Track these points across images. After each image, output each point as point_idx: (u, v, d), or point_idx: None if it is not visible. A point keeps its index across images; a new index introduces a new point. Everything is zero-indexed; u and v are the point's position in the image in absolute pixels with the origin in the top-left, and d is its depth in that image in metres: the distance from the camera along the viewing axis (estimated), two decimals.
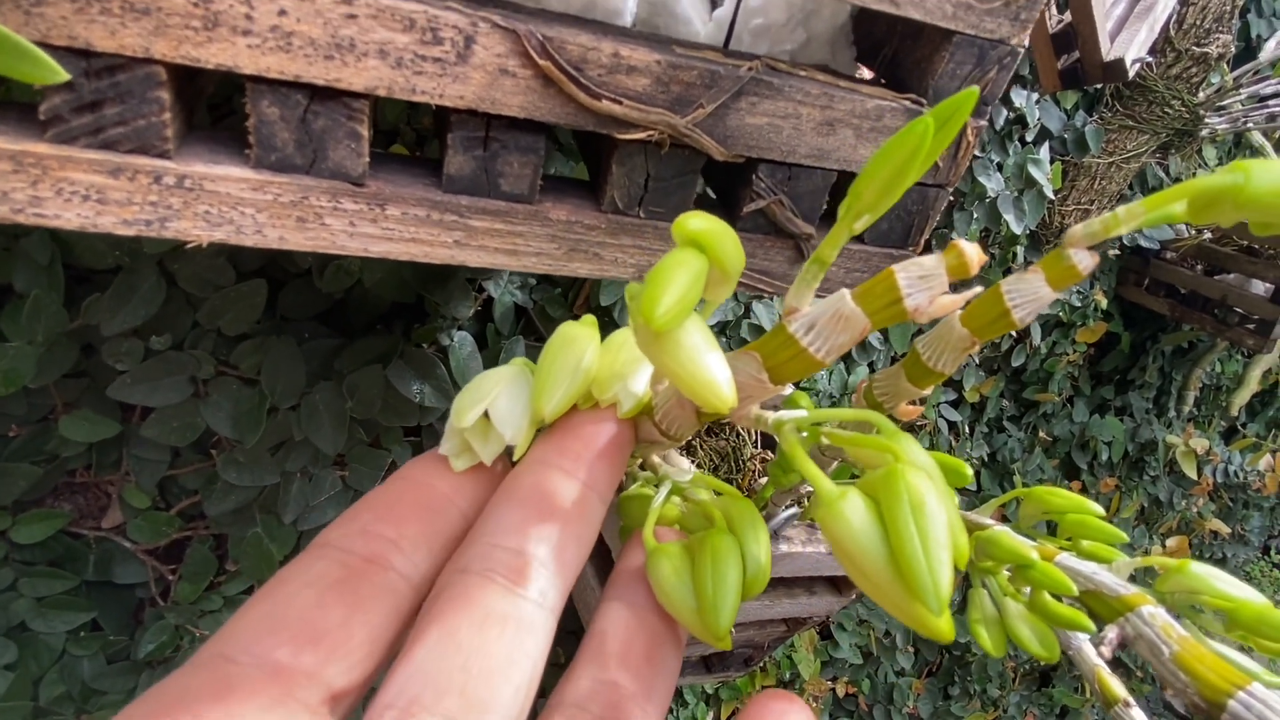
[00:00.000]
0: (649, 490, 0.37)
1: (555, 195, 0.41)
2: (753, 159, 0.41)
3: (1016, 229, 1.34)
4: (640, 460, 0.43)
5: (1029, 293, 0.32)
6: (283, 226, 0.36)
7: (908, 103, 0.41)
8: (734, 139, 0.40)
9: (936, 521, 0.25)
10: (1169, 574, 0.45)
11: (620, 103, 0.36)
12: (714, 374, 0.29)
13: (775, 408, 0.34)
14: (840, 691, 1.62)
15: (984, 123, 0.43)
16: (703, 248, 0.29)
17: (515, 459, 0.35)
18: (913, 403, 0.41)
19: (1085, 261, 0.32)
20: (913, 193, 0.45)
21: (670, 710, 1.32)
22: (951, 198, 1.36)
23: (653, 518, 0.35)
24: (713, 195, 0.48)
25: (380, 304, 0.82)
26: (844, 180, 0.44)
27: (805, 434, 0.33)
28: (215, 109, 0.69)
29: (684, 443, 0.38)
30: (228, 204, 0.35)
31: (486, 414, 0.36)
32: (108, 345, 0.70)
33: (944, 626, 0.24)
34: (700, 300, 0.33)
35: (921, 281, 0.27)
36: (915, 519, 0.24)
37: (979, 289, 0.29)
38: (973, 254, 0.26)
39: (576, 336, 0.34)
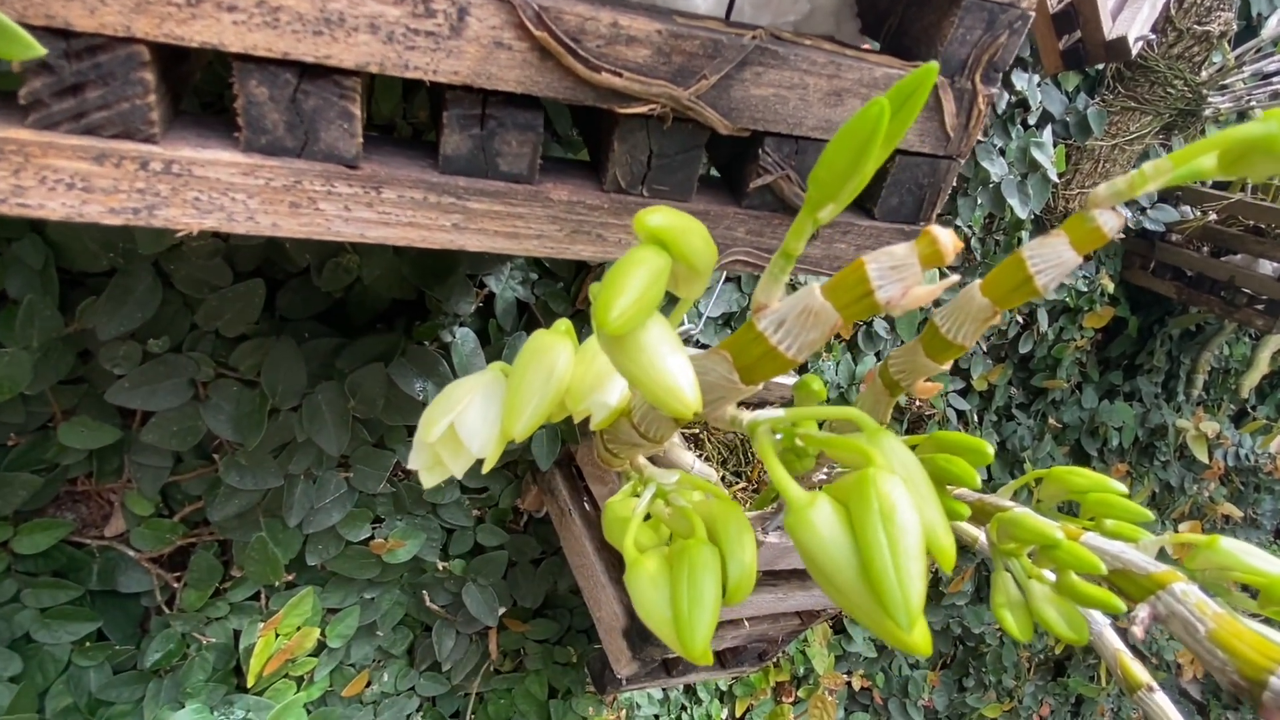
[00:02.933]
0: (632, 499, 0.36)
1: (556, 175, 0.40)
2: (758, 132, 0.40)
3: (1021, 213, 1.32)
4: (627, 461, 0.42)
5: (1052, 257, 0.31)
6: (275, 213, 0.35)
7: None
8: (739, 111, 0.38)
9: (908, 531, 0.23)
10: (1199, 550, 0.44)
11: (620, 75, 0.35)
12: (675, 378, 0.27)
13: (788, 401, 0.33)
14: (856, 685, 1.60)
15: (995, 90, 0.42)
16: (665, 244, 0.28)
17: (485, 471, 0.33)
18: (931, 379, 0.40)
19: (1111, 222, 0.30)
20: (923, 165, 0.43)
21: (684, 707, 1.31)
22: (955, 183, 1.34)
23: (633, 527, 0.34)
24: (717, 174, 0.47)
25: (380, 302, 0.81)
26: None
27: (780, 435, 0.31)
28: (209, 108, 0.68)
29: (664, 442, 0.37)
30: (218, 190, 0.34)
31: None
32: (104, 349, 0.69)
33: (917, 641, 0.23)
34: (672, 298, 0.32)
35: (894, 272, 0.25)
36: (885, 529, 0.23)
37: (956, 278, 0.28)
38: (947, 241, 0.25)
39: (548, 346, 0.33)
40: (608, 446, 0.42)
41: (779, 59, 0.38)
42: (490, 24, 0.33)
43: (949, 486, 0.44)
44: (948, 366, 0.37)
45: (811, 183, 0.26)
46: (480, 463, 0.35)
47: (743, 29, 0.37)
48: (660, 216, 0.28)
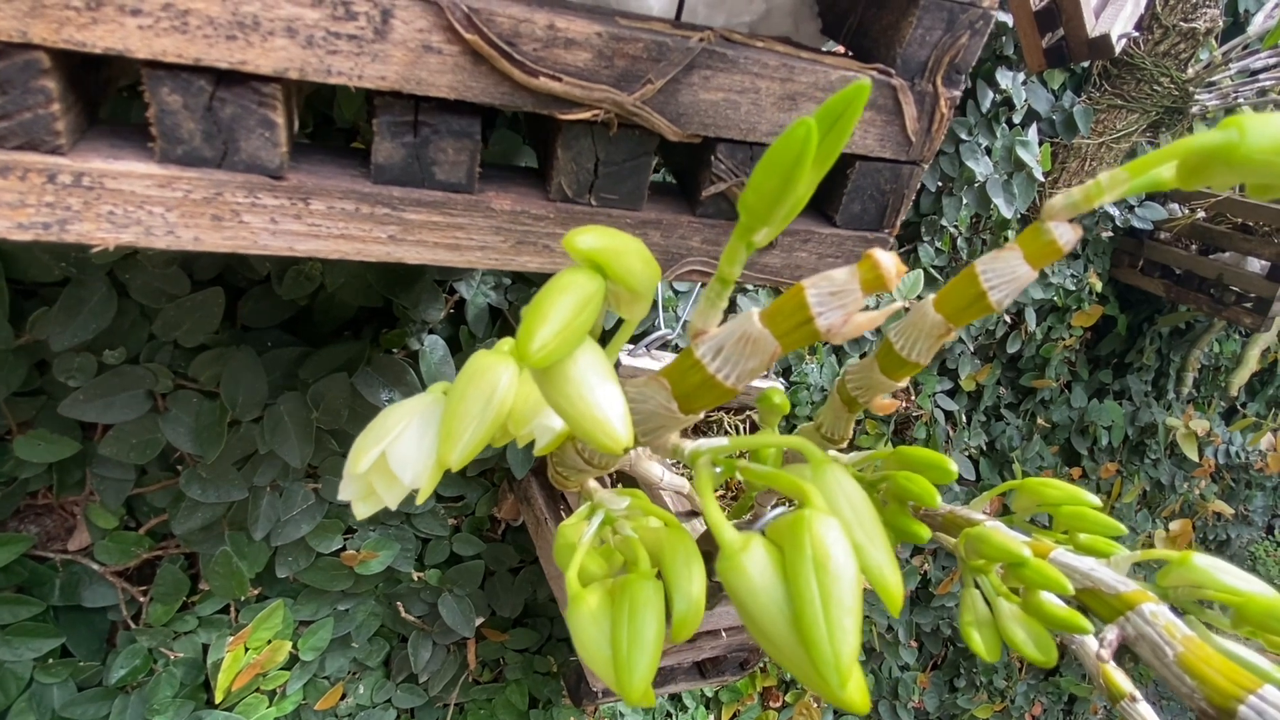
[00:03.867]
0: (583, 525, 0.35)
1: (498, 184, 0.38)
2: (710, 138, 0.38)
3: (1007, 213, 1.31)
4: (578, 485, 0.40)
5: (1006, 272, 0.30)
6: (196, 226, 0.33)
7: (874, 73, 0.38)
8: (688, 117, 0.37)
9: (842, 581, 0.21)
10: (1171, 568, 0.42)
11: (559, 79, 0.34)
12: (604, 411, 0.25)
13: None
14: None
15: (957, 93, 0.40)
16: (599, 267, 0.26)
17: (419, 502, 0.31)
18: (891, 396, 0.38)
19: (1066, 235, 0.29)
20: (885, 171, 0.42)
21: (669, 714, 1.29)
22: (940, 183, 1.33)
23: (576, 559, 0.32)
24: (671, 183, 0.45)
25: (347, 310, 0.79)
26: None
27: (720, 468, 0.30)
28: None
29: (609, 470, 0.35)
30: (133, 203, 0.32)
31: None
32: (58, 361, 0.67)
33: (852, 698, 0.21)
34: (609, 320, 0.30)
35: (834, 299, 0.24)
36: (818, 578, 0.21)
37: (901, 304, 0.26)
38: (890, 265, 0.23)
39: (488, 368, 0.31)
40: (557, 469, 0.41)
41: (728, 62, 0.36)
42: (416, 26, 0.31)
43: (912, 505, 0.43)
44: (903, 384, 0.35)
45: (741, 208, 0.24)
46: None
47: (689, 31, 0.36)
48: (592, 238, 0.26)
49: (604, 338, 0.30)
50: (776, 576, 0.22)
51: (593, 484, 0.39)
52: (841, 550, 0.22)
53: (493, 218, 0.37)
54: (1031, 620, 0.42)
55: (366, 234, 0.36)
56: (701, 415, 0.29)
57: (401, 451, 0.32)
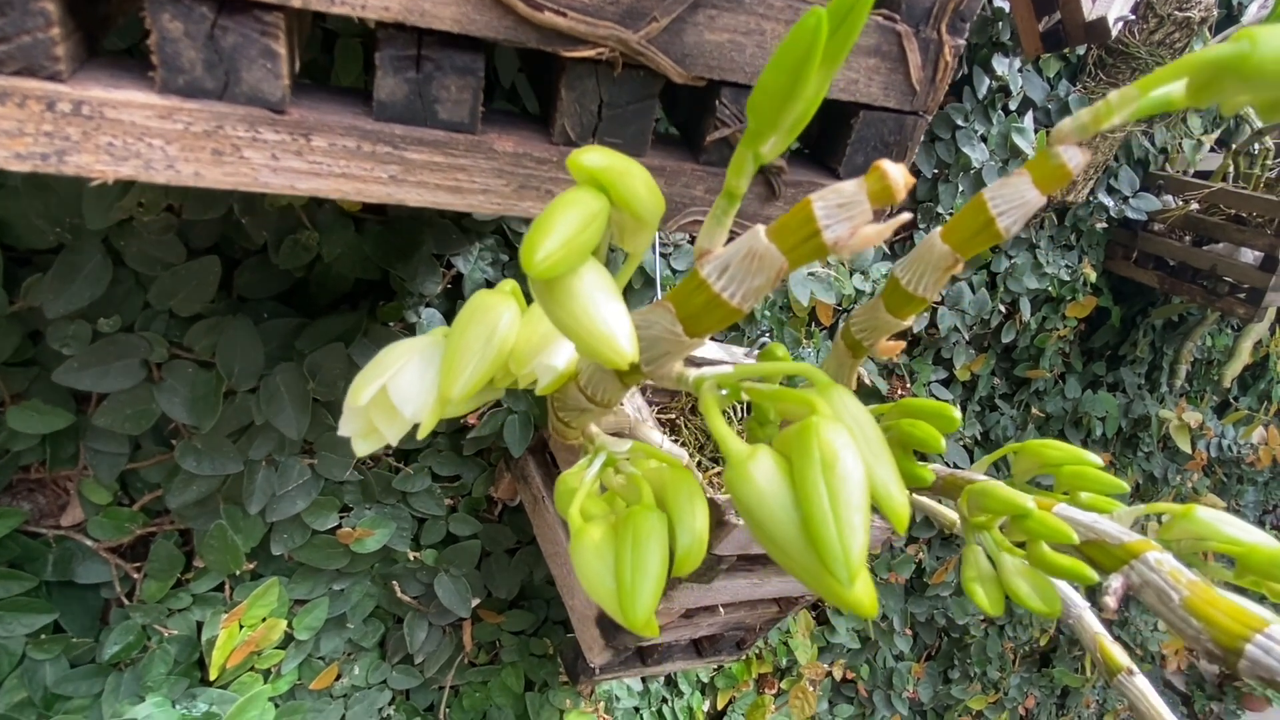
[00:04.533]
0: (584, 470, 0.34)
1: (501, 126, 0.38)
2: (714, 82, 0.38)
3: None
4: (581, 432, 0.40)
5: (1015, 198, 0.29)
6: (197, 160, 0.33)
7: (880, 18, 0.38)
8: (692, 58, 0.36)
9: (850, 481, 0.21)
10: (1174, 520, 0.42)
11: (564, 15, 0.33)
12: (609, 326, 0.25)
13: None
14: (838, 675, 1.59)
15: (961, 42, 0.40)
16: (603, 187, 0.26)
17: (420, 437, 0.31)
18: (895, 337, 0.38)
19: (1075, 158, 0.29)
20: (889, 121, 0.42)
21: (665, 699, 1.29)
22: (935, 170, 1.33)
23: (580, 495, 0.32)
24: (675, 133, 0.45)
25: (344, 282, 0.78)
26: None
27: (726, 391, 0.30)
28: None
29: (614, 405, 0.35)
30: (133, 135, 0.32)
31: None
32: (52, 328, 0.66)
33: (859, 596, 0.21)
34: (615, 251, 0.30)
35: (841, 210, 0.23)
36: (826, 478, 0.21)
37: (907, 215, 0.26)
38: (898, 176, 0.23)
39: (490, 305, 0.31)
40: (559, 415, 0.41)
41: (734, 2, 0.36)
42: None
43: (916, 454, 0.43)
44: (910, 322, 0.35)
45: (750, 111, 0.24)
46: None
47: None
48: (597, 156, 0.26)
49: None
50: (784, 482, 0.22)
51: (594, 429, 0.39)
52: (849, 452, 0.21)
53: (495, 160, 0.37)
54: (1034, 573, 0.42)
55: (368, 173, 0.35)
56: (706, 340, 0.29)
57: (403, 385, 0.32)
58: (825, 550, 0.21)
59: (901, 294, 0.33)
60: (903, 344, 0.36)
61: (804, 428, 0.23)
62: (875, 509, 0.24)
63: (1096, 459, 0.46)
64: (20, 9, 0.29)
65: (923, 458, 0.45)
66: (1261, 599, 0.38)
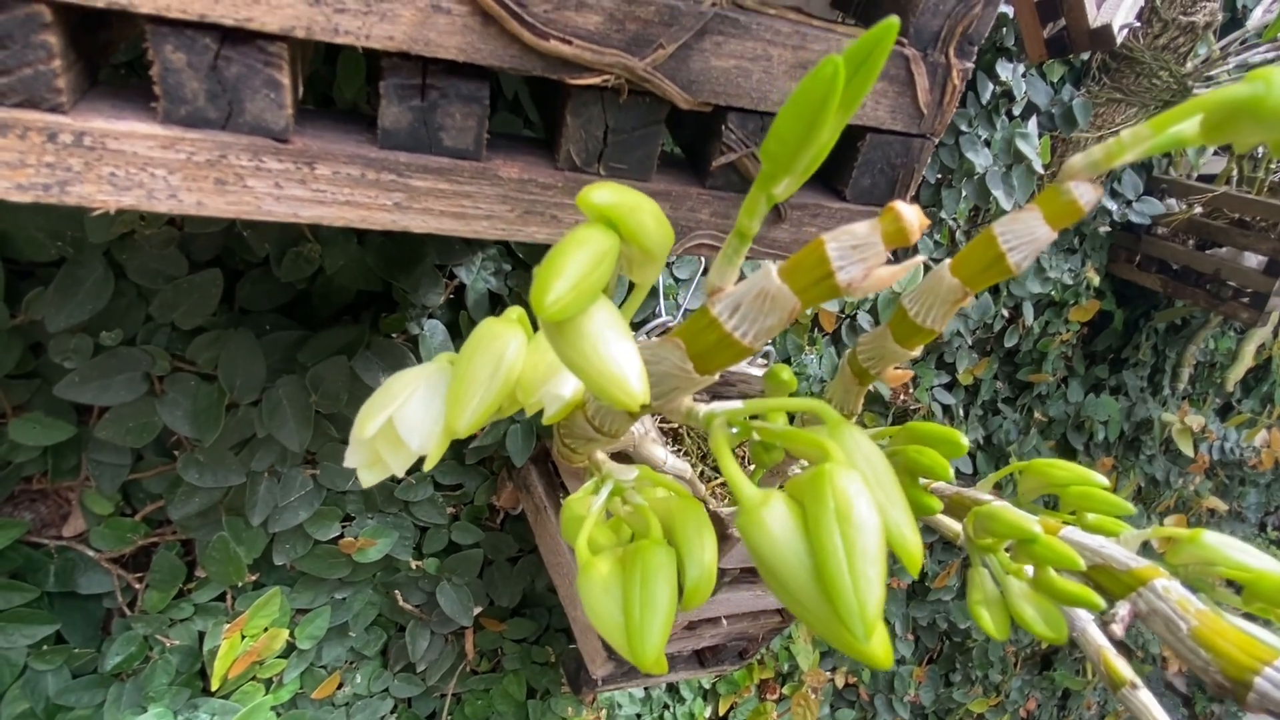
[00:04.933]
0: (590, 497, 0.34)
1: (506, 152, 0.38)
2: (720, 107, 0.38)
3: (1006, 205, 1.31)
4: (586, 457, 0.40)
5: (1025, 233, 0.29)
6: (200, 190, 0.33)
7: None
8: (699, 84, 0.36)
9: (865, 531, 0.21)
10: (1181, 545, 0.42)
11: (570, 43, 0.33)
12: (619, 367, 0.25)
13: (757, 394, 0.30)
14: (840, 682, 1.59)
15: (970, 65, 0.40)
16: (613, 223, 0.26)
17: (427, 469, 0.31)
18: (901, 366, 0.38)
19: (1087, 195, 0.28)
20: (895, 144, 0.41)
21: (666, 706, 1.29)
22: (939, 175, 1.33)
23: (587, 526, 0.31)
24: (680, 154, 0.45)
25: (346, 294, 0.78)
26: None
27: (736, 430, 0.29)
28: None
29: (620, 436, 0.35)
30: (135, 165, 0.32)
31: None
32: (54, 342, 0.66)
33: (875, 651, 0.21)
34: (623, 282, 0.30)
35: (855, 252, 0.23)
36: (841, 528, 0.21)
37: (921, 258, 0.26)
38: (912, 218, 0.22)
39: (496, 334, 0.30)
40: (564, 441, 0.40)
41: (740, 28, 0.35)
42: None
43: (923, 480, 0.43)
44: (918, 353, 0.35)
45: (763, 156, 0.24)
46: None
47: None
48: (606, 193, 0.25)
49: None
50: (797, 530, 0.22)
51: (600, 455, 0.39)
52: (864, 502, 0.21)
53: (500, 186, 0.37)
54: (1041, 598, 0.42)
55: (372, 201, 0.35)
56: (716, 376, 0.28)
57: (409, 417, 0.31)
58: (841, 604, 0.20)
59: (909, 325, 0.33)
60: (910, 373, 0.36)
61: (817, 475, 0.22)
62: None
63: (1103, 479, 0.46)
64: (22, 42, 0.28)
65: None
66: (1267, 624, 0.38)
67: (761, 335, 0.26)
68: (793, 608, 0.22)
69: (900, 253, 1.39)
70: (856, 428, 0.26)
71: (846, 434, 0.26)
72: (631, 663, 0.26)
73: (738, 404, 0.28)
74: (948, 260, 0.31)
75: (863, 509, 0.21)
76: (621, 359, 0.25)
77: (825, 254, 0.23)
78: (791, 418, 0.52)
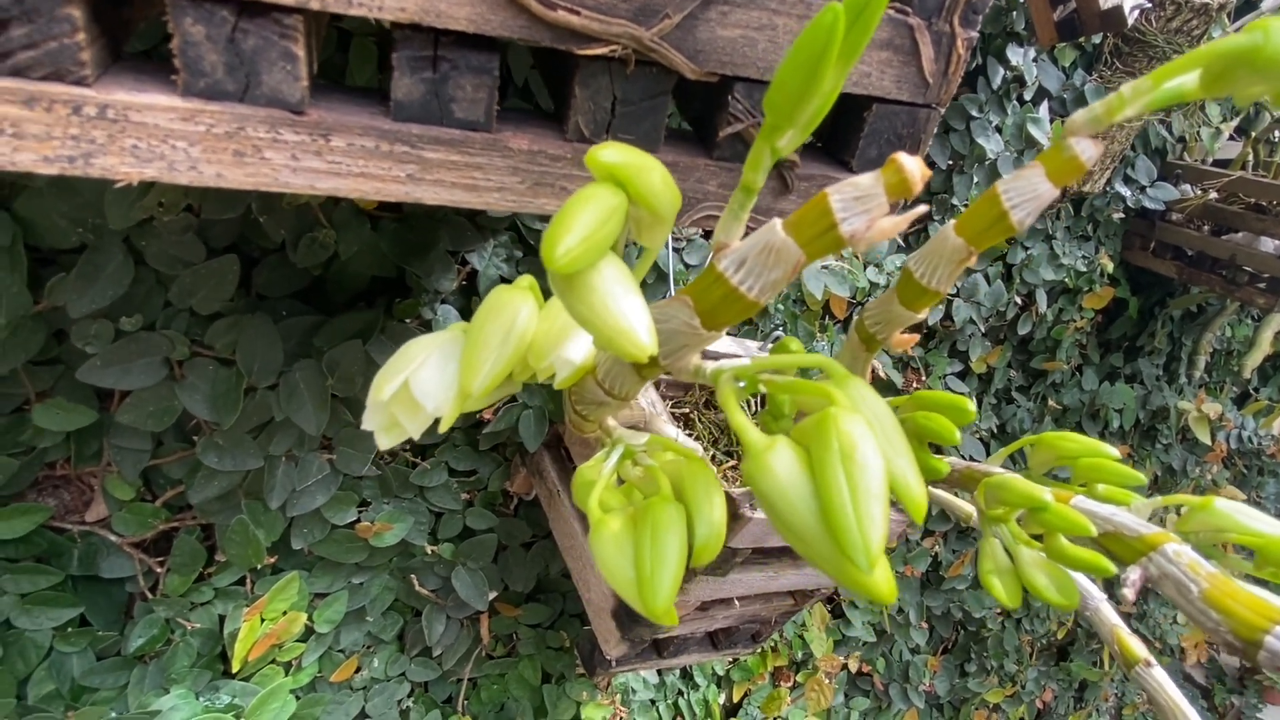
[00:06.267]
0: (601, 463, 0.35)
1: (515, 124, 0.38)
2: (727, 77, 0.38)
3: None
4: (598, 425, 0.40)
5: (1027, 190, 0.30)
6: (219, 162, 0.34)
7: (892, 11, 0.38)
8: (705, 54, 0.37)
9: (869, 470, 0.21)
10: (1193, 512, 0.42)
11: (578, 13, 0.34)
12: (629, 320, 0.26)
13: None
14: (854, 668, 1.59)
15: (974, 34, 0.40)
16: (621, 183, 0.26)
17: (441, 431, 0.32)
18: (908, 330, 0.38)
19: (1088, 151, 0.29)
20: (902, 114, 0.42)
21: (680, 692, 1.30)
22: (950, 161, 1.32)
23: (599, 486, 0.32)
24: (687, 128, 0.45)
25: (360, 280, 0.79)
26: None
27: (744, 383, 0.30)
28: None
29: (631, 399, 0.36)
30: (157, 137, 0.33)
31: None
32: (76, 327, 0.67)
33: (878, 583, 0.21)
34: (633, 246, 0.30)
35: (858, 204, 0.24)
36: (845, 468, 0.21)
37: (923, 208, 0.26)
38: (914, 169, 0.23)
39: (508, 301, 0.31)
40: (576, 408, 0.41)
41: None
42: None
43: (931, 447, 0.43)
44: (924, 315, 0.35)
45: (766, 107, 0.24)
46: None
47: None
48: (614, 152, 0.26)
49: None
50: (803, 472, 0.22)
51: (611, 422, 0.39)
52: (868, 443, 0.22)
53: (510, 157, 0.37)
54: (1052, 565, 0.42)
55: (386, 172, 0.36)
56: (723, 333, 0.29)
57: (424, 380, 0.32)
58: (845, 538, 0.21)
59: (915, 287, 0.33)
60: (917, 336, 0.37)
61: (822, 418, 0.23)
62: (893, 501, 0.25)
63: (1113, 451, 0.46)
64: (47, 15, 0.29)
65: (938, 451, 0.45)
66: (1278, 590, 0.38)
67: (768, 289, 0.26)
68: (798, 546, 0.23)
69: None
70: (861, 381, 0.27)
71: (853, 386, 0.26)
72: (642, 614, 0.27)
73: (745, 361, 0.29)
74: (952, 220, 0.31)
75: (866, 449, 0.22)
76: (630, 312, 0.26)
77: (829, 205, 0.24)
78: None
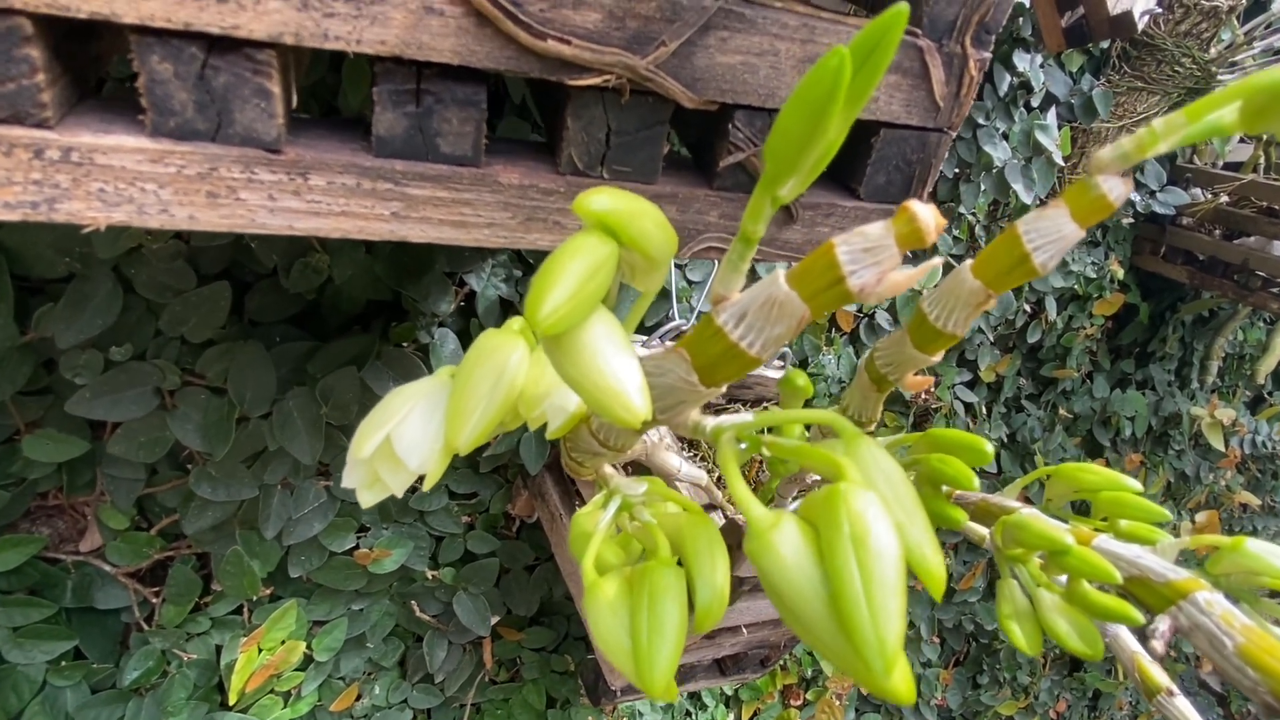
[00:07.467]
0: (599, 513, 0.33)
1: (505, 157, 0.36)
2: (727, 105, 0.36)
3: (1026, 199, 1.28)
4: (594, 471, 0.38)
5: (1051, 232, 0.27)
6: (191, 204, 0.32)
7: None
8: (704, 82, 0.35)
9: (884, 558, 0.19)
10: (1222, 554, 0.40)
11: (568, 42, 0.32)
12: (619, 382, 0.23)
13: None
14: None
15: (987, 55, 0.38)
16: (612, 230, 0.24)
17: (426, 489, 0.30)
18: (921, 372, 0.36)
19: (1117, 189, 0.26)
20: (911, 140, 0.40)
21: (689, 713, 1.27)
22: (957, 169, 1.30)
23: (594, 545, 0.30)
24: (686, 154, 0.43)
25: (355, 304, 0.77)
26: None
27: (745, 445, 0.28)
28: None
29: (626, 449, 0.34)
30: (125, 179, 0.31)
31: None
32: (65, 358, 0.66)
33: (897, 686, 0.19)
34: (624, 291, 0.28)
35: (867, 255, 0.22)
36: (858, 555, 0.19)
37: (939, 259, 0.24)
38: (928, 218, 0.21)
39: (497, 346, 0.29)
40: (571, 455, 0.39)
41: (746, 22, 0.34)
42: None
43: (945, 489, 0.41)
44: (938, 358, 0.33)
45: (767, 155, 0.22)
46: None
47: None
48: (604, 199, 0.24)
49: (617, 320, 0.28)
50: (811, 555, 0.20)
51: (608, 469, 0.38)
52: (882, 526, 0.20)
53: (500, 192, 0.35)
54: (1074, 611, 0.40)
55: (369, 211, 0.34)
56: (723, 389, 0.27)
57: (407, 435, 0.30)
58: (858, 636, 0.19)
59: (929, 329, 0.31)
60: (930, 380, 0.35)
61: (831, 496, 0.21)
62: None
63: (1136, 484, 0.44)
64: (3, 56, 0.28)
65: None
66: None
67: (769, 345, 0.24)
68: (806, 638, 0.21)
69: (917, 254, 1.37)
70: (873, 441, 0.25)
71: (863, 449, 0.24)
72: (640, 689, 0.25)
73: (747, 417, 0.27)
74: (969, 260, 0.29)
75: (881, 534, 0.20)
76: (621, 373, 0.24)
77: (835, 258, 0.22)
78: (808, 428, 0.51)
